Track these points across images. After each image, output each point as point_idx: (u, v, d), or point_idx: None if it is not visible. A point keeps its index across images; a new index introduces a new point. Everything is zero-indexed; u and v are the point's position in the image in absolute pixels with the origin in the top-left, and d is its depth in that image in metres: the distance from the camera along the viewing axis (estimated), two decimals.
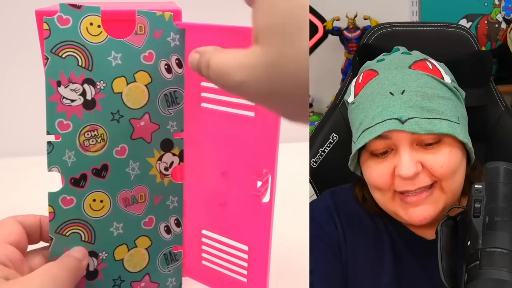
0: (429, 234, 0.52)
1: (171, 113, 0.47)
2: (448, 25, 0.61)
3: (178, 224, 0.50)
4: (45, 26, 0.41)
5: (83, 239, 0.46)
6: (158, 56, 0.45)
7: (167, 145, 0.48)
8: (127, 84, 0.45)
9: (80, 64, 0.43)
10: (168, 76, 0.46)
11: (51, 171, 0.44)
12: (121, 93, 0.45)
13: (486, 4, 1.65)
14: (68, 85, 0.43)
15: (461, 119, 0.48)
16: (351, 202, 0.54)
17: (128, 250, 0.48)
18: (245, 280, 0.59)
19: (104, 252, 0.47)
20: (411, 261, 0.51)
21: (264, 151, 0.51)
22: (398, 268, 0.51)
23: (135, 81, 0.45)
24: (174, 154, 0.48)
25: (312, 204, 0.55)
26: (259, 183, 0.53)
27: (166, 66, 0.46)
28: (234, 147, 0.53)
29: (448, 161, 0.46)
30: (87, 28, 0.42)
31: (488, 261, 0.38)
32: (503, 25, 1.66)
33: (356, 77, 0.52)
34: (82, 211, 0.45)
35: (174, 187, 0.49)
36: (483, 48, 1.62)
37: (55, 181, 0.54)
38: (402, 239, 0.52)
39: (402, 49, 0.53)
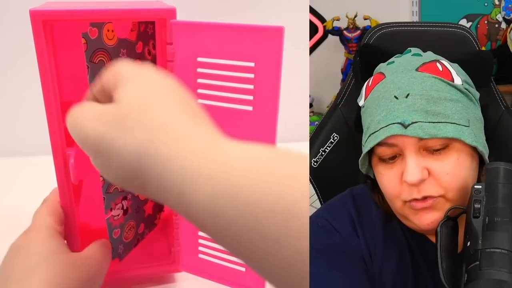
0: None
1: None
2: (448, 25, 0.61)
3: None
4: (83, 41, 0.49)
5: None
6: (144, 44, 0.59)
7: None
8: None
9: (106, 65, 0.52)
10: (149, 57, 0.60)
11: None
12: None
13: (486, 4, 1.65)
14: None
15: (472, 122, 0.47)
16: (371, 207, 0.52)
17: None
18: (243, 269, 0.59)
19: None
20: (427, 269, 0.50)
21: (262, 143, 0.51)
22: (417, 279, 0.50)
23: None
24: None
25: (331, 209, 0.53)
26: None
27: (148, 51, 0.60)
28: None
29: (454, 168, 0.45)
30: (106, 34, 0.53)
31: (488, 262, 0.38)
32: (503, 25, 1.66)
33: (367, 80, 0.51)
34: None
35: None
36: (483, 48, 1.62)
37: (55, 181, 0.54)
38: (418, 245, 0.51)
39: (415, 50, 0.52)
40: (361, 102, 0.51)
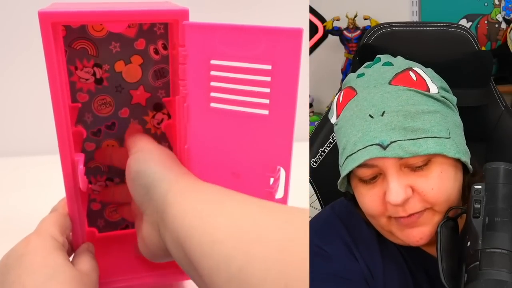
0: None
1: (160, 84, 0.61)
2: (448, 25, 0.61)
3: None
4: (63, 28, 0.53)
5: None
6: (148, 43, 0.59)
7: (158, 107, 0.63)
8: (125, 65, 0.59)
9: (89, 53, 0.58)
10: (156, 57, 0.60)
11: (77, 127, 0.58)
12: (121, 72, 0.60)
13: (486, 4, 1.65)
14: (83, 69, 0.58)
15: (452, 130, 0.45)
16: (360, 224, 0.50)
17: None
18: None
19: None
20: (426, 282, 0.49)
21: (278, 148, 0.50)
22: None
23: (131, 62, 0.59)
24: (164, 113, 0.63)
25: (320, 233, 0.51)
26: (272, 180, 0.52)
27: (154, 50, 0.60)
28: (246, 146, 0.51)
29: (439, 183, 0.44)
30: (92, 26, 0.56)
31: (488, 262, 0.38)
32: (503, 25, 1.66)
33: (337, 94, 0.49)
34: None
35: (163, 135, 0.64)
36: (483, 48, 1.62)
37: (55, 181, 0.54)
38: (412, 259, 0.50)
39: (385, 58, 0.50)
40: (333, 120, 0.49)
